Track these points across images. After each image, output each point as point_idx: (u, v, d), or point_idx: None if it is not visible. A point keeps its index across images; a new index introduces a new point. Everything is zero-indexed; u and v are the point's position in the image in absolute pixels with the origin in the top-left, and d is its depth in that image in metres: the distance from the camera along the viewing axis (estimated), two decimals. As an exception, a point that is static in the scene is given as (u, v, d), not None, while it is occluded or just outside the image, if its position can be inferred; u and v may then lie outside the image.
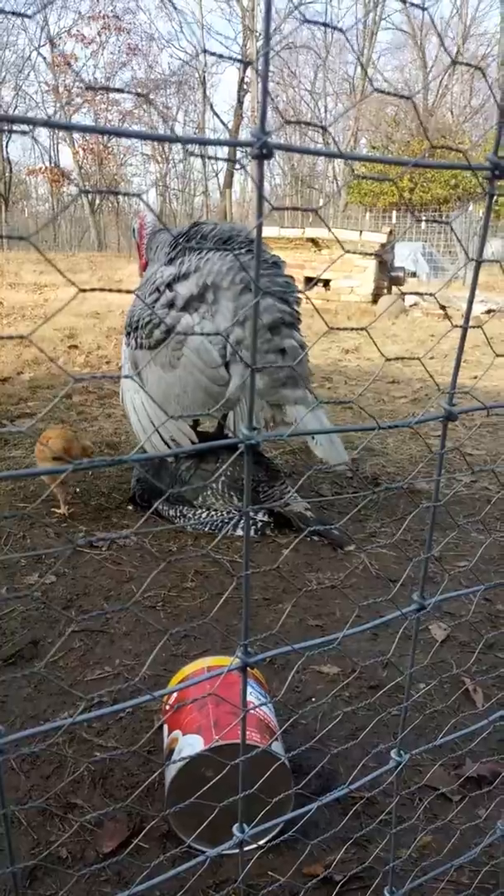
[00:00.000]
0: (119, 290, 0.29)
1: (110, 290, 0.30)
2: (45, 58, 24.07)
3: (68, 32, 23.50)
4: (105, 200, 25.30)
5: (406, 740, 1.20)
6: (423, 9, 0.35)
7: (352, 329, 0.39)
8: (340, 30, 0.35)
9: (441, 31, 25.31)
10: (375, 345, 0.43)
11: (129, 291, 0.29)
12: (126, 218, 22.98)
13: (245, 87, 24.56)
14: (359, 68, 24.59)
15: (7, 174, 23.56)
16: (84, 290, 0.28)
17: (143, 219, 2.41)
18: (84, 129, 0.33)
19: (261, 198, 0.32)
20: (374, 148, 22.46)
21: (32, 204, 27.81)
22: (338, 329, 0.39)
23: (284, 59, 25.12)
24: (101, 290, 0.31)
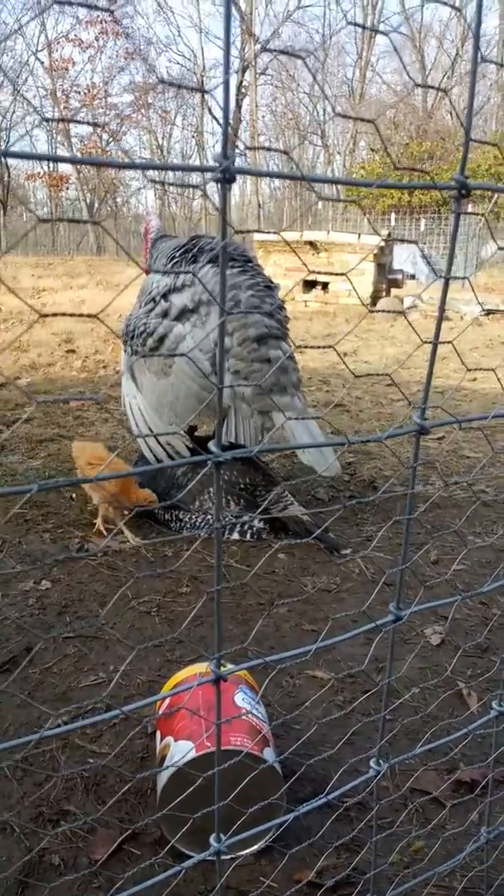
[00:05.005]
0: (81, 315, 0.29)
1: (72, 315, 0.31)
2: (42, 62, 24.15)
3: (66, 37, 23.57)
4: (103, 204, 25.34)
5: (388, 748, 1.21)
6: (385, 34, 0.36)
7: (319, 347, 0.40)
8: (301, 57, 0.36)
9: (440, 34, 25.41)
10: (341, 357, 0.44)
11: (90, 316, 0.30)
12: (125, 222, 23.03)
13: (243, 90, 24.62)
14: (357, 71, 24.68)
15: (6, 179, 23.57)
16: (45, 316, 0.29)
17: (148, 223, 2.43)
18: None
19: (224, 222, 0.32)
20: (373, 150, 22.47)
21: (31, 209, 27.79)
22: (304, 347, 0.40)
23: (283, 63, 25.18)
24: (63, 314, 0.31)
